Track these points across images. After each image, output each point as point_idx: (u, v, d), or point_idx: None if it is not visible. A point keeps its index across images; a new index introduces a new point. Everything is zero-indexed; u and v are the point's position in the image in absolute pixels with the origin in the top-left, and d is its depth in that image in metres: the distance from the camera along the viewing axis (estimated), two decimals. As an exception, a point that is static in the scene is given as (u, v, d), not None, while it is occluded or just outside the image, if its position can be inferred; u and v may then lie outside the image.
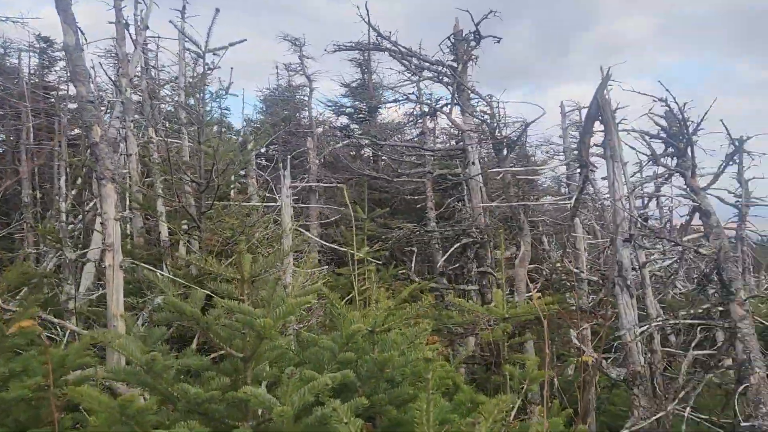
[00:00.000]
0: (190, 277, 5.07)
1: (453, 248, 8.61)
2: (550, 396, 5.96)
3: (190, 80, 6.88)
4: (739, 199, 14.72)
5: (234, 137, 9.43)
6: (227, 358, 2.85)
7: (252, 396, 2.37)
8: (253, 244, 5.75)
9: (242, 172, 9.28)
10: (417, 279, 8.97)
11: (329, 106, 13.34)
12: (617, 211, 6.78)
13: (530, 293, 9.83)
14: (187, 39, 7.18)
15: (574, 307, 9.04)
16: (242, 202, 6.88)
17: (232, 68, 6.24)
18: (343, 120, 13.74)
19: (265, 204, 7.45)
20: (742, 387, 6.04)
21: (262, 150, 13.43)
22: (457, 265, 10.93)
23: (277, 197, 7.07)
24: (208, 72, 6.30)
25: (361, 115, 13.05)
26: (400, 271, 8.97)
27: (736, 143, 7.03)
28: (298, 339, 3.87)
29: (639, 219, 6.81)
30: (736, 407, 5.93)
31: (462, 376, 7.46)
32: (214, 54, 6.32)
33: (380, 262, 7.09)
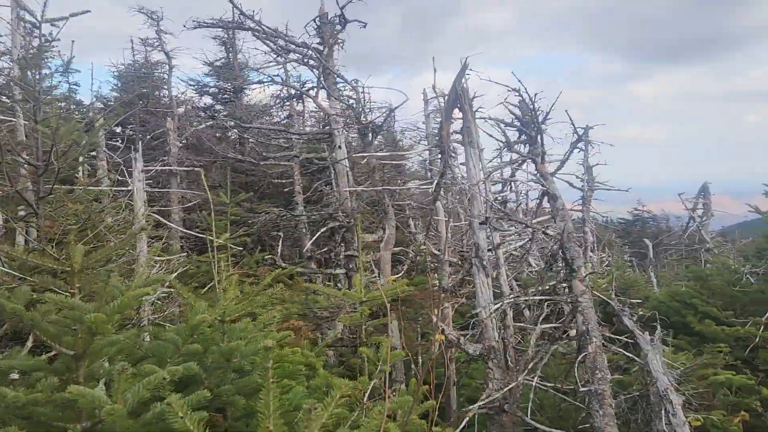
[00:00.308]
0: (26, 269, 4.62)
1: (319, 232, 8.61)
2: (414, 375, 6.17)
3: (25, 52, 6.23)
4: (585, 184, 16.07)
5: (80, 116, 8.70)
6: (60, 356, 2.63)
7: (79, 395, 2.20)
8: (101, 232, 5.34)
9: (93, 153, 8.62)
10: (284, 264, 8.88)
11: (192, 85, 12.77)
12: (474, 195, 7.13)
13: (398, 275, 10.10)
14: (20, 7, 6.47)
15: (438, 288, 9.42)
16: (88, 186, 6.37)
17: (73, 41, 5.71)
18: (207, 100, 13.22)
19: (115, 188, 6.96)
20: (581, 356, 6.61)
21: (117, 130, 12.55)
22: (325, 249, 10.95)
23: (129, 181, 6.65)
24: (47, 44, 5.72)
25: (226, 96, 12.60)
26: (267, 257, 8.82)
27: (579, 132, 7.61)
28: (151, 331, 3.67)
29: (494, 202, 7.21)
30: (576, 374, 6.49)
31: (326, 359, 7.50)
32: (52, 25, 5.73)
33: (241, 248, 6.91)
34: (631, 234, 33.68)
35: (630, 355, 6.88)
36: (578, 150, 15.83)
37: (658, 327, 6.92)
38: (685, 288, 9.84)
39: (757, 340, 8.28)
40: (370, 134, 7.89)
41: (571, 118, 7.56)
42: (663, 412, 6.17)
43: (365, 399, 3.11)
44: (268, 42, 8.23)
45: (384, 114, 8.08)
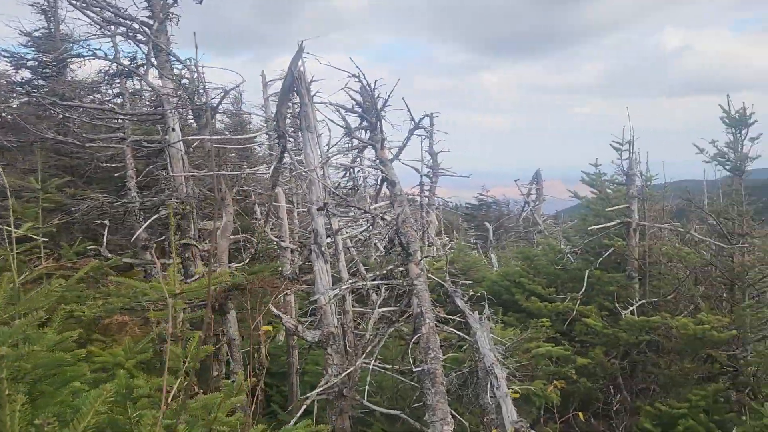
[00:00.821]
0: None
1: (150, 220, 8.07)
2: (253, 365, 5.98)
3: None
4: (431, 169, 16.66)
5: None
6: None
7: None
8: None
9: None
10: (110, 255, 8.22)
11: (5, 56, 11.29)
12: (312, 181, 7.05)
13: (241, 263, 9.77)
14: None
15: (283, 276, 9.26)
16: None
17: None
18: (25, 74, 11.81)
19: None
20: (416, 337, 6.82)
21: None
22: (163, 238, 10.33)
23: None
24: None
25: (47, 71, 11.34)
26: (90, 247, 8.11)
27: (415, 121, 7.78)
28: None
29: (332, 188, 7.18)
30: (410, 355, 6.69)
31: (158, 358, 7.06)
32: None
33: (46, 239, 6.24)
34: (477, 218, 35.73)
35: (461, 333, 7.22)
36: (424, 137, 16.41)
37: (486, 306, 7.31)
38: (515, 268, 10.54)
39: (573, 313, 9.08)
40: (205, 116, 7.49)
41: (407, 106, 7.72)
42: (489, 385, 6.57)
43: (169, 398, 2.89)
44: (88, 12, 7.50)
45: (220, 95, 7.71)
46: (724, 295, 9.47)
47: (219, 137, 7.83)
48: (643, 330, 8.51)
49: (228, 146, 9.42)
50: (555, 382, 8.10)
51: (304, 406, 6.66)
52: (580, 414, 5.74)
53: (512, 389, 6.05)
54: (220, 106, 8.20)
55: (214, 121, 9.86)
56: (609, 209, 9.20)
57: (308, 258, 7.31)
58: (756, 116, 9.15)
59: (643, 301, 9.06)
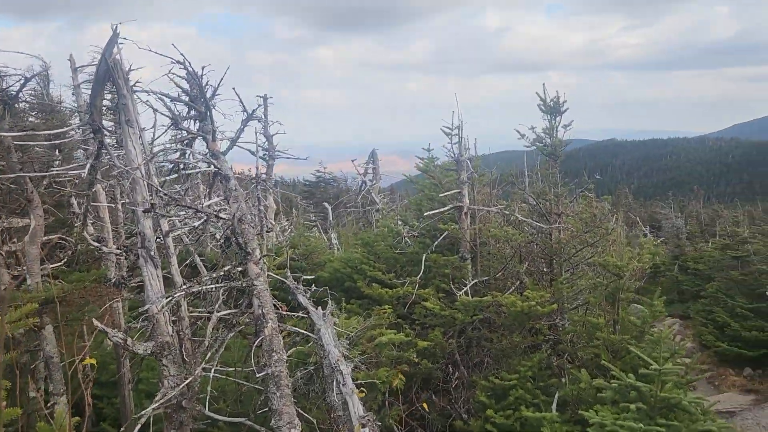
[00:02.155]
0: None
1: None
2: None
3: None
4: (267, 152, 16.20)
5: None
6: None
7: None
8: None
9: None
10: None
11: None
12: (135, 180, 6.43)
13: (59, 264, 8.74)
14: None
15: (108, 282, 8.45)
16: None
17: None
18: None
19: None
20: (258, 339, 6.58)
21: None
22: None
23: None
24: None
25: None
26: None
27: (248, 111, 7.41)
28: None
29: (159, 187, 6.60)
30: (252, 359, 6.44)
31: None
32: None
33: None
34: (315, 195, 35.75)
35: (304, 332, 7.10)
36: (257, 120, 15.86)
37: (330, 302, 7.26)
38: (355, 254, 10.62)
39: (413, 297, 9.36)
40: (2, 107, 6.48)
41: (240, 97, 7.30)
42: (335, 383, 6.54)
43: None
44: None
45: (20, 83, 6.70)
46: (545, 269, 10.33)
47: (20, 134, 6.79)
48: (476, 309, 9.02)
49: (32, 143, 8.29)
50: (398, 368, 8.34)
51: (139, 425, 6.15)
52: (425, 405, 5.92)
53: (359, 389, 6.06)
54: (21, 93, 7.14)
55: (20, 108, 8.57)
56: (442, 195, 9.57)
57: (135, 263, 6.71)
58: (566, 95, 9.89)
59: (476, 280, 9.61)
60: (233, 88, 7.18)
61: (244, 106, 7.32)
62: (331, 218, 20.05)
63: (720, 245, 24.80)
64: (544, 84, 9.91)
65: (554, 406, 8.38)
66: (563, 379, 9.15)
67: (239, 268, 6.97)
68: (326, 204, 21.30)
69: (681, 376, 9.32)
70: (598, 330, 8.83)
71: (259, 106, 7.43)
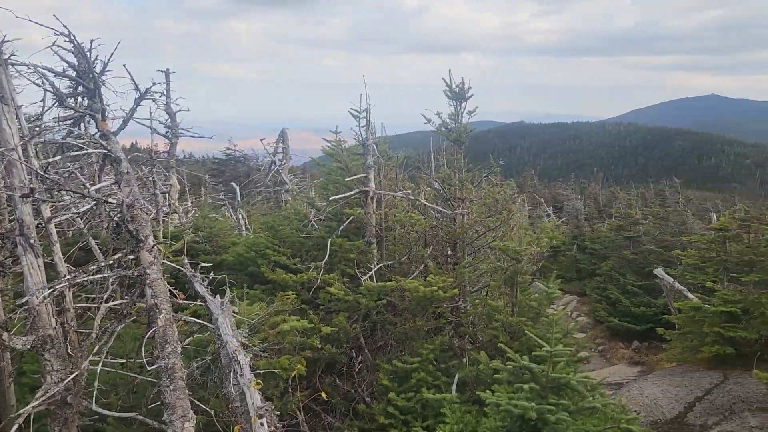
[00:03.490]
0: None
1: None
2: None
3: None
4: (169, 129, 15.50)
5: None
6: None
7: None
8: None
9: None
10: None
11: None
12: (12, 162, 5.92)
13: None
14: None
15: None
16: None
17: None
18: None
19: None
20: (151, 330, 6.30)
21: None
22: None
23: None
24: None
25: None
26: None
27: (140, 91, 6.99)
28: None
29: (39, 170, 6.12)
30: (143, 351, 6.17)
31: None
32: None
33: None
34: (225, 173, 34.74)
35: (201, 321, 6.88)
36: (160, 95, 15.12)
37: (228, 290, 7.06)
38: (260, 239, 10.39)
39: (318, 282, 9.29)
40: None
41: (131, 75, 6.86)
42: (232, 373, 6.38)
43: None
44: None
45: None
46: (449, 253, 10.53)
47: None
48: (380, 293, 9.08)
49: None
50: (301, 354, 8.28)
51: (17, 425, 5.75)
52: (324, 393, 5.90)
53: (258, 380, 5.94)
54: None
55: None
56: (348, 179, 9.51)
57: (13, 252, 6.22)
58: (471, 81, 10.03)
59: (381, 264, 9.66)
60: (124, 65, 6.75)
61: (135, 84, 6.89)
62: (239, 198, 19.54)
63: (614, 226, 26.35)
64: (450, 70, 10.03)
65: (454, 387, 8.61)
66: (464, 360, 9.42)
67: (131, 256, 6.64)
68: (234, 183, 20.73)
69: (572, 355, 9.83)
70: (497, 312, 9.12)
71: (154, 84, 7.00)
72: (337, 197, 9.39)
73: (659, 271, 18.22)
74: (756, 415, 11.54)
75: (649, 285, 20.92)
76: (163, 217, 12.66)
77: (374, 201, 9.74)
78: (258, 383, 5.79)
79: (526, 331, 7.77)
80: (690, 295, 15.62)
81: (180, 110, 15.21)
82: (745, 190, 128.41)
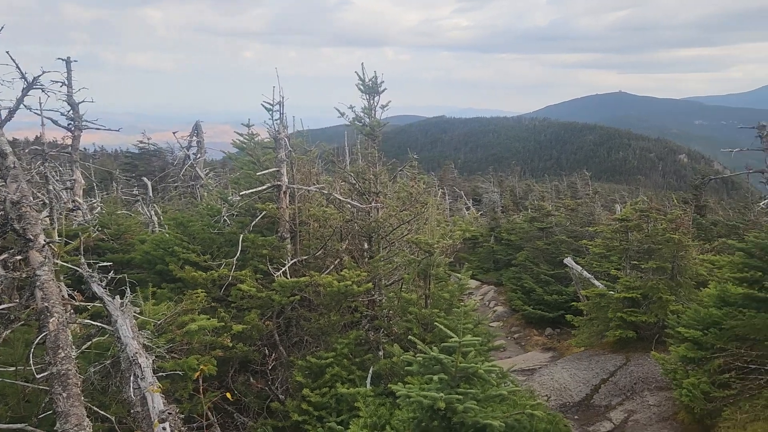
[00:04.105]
0: None
1: None
2: None
3: None
4: (72, 121, 14.66)
5: None
6: None
7: None
8: None
9: None
10: None
11: None
12: None
13: None
14: None
15: None
16: None
17: None
18: None
19: None
20: (42, 335, 5.92)
21: None
22: None
23: None
24: None
25: None
26: None
27: (27, 80, 6.53)
28: None
29: None
30: (32, 358, 5.79)
31: None
32: None
33: None
34: (138, 168, 33.32)
35: (98, 323, 6.54)
36: (61, 84, 14.27)
37: (128, 290, 6.74)
38: (166, 236, 10.01)
39: (229, 279, 9.05)
40: None
41: (16, 63, 6.39)
42: (132, 377, 6.10)
43: None
44: None
45: None
46: (366, 247, 10.53)
47: None
48: (294, 289, 8.95)
49: None
50: (211, 353, 8.04)
51: None
52: (228, 395, 5.73)
53: (160, 382, 5.70)
54: None
55: None
56: (259, 173, 9.29)
57: None
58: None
59: (295, 260, 9.52)
60: (7, 52, 6.26)
61: (22, 73, 6.42)
62: (151, 194, 18.76)
63: (528, 218, 27.28)
64: (362, 63, 9.99)
65: (368, 380, 8.63)
66: (380, 353, 9.46)
67: (19, 257, 6.20)
68: (145, 179, 19.89)
69: (483, 344, 10.07)
70: (411, 305, 9.20)
71: (44, 72, 6.50)
72: (248, 192, 9.16)
73: (569, 261, 19.02)
74: (654, 394, 12.26)
75: (560, 274, 21.82)
76: (65, 213, 11.97)
77: (287, 195, 9.58)
78: (159, 387, 5.56)
79: (435, 323, 7.88)
80: (597, 283, 16.40)
81: (84, 101, 14.37)
82: (649, 181, 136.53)
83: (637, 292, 13.88)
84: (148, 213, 17.89)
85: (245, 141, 10.36)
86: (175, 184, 24.39)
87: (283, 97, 9.99)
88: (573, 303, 17.75)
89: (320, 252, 9.92)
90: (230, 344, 8.25)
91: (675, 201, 29.76)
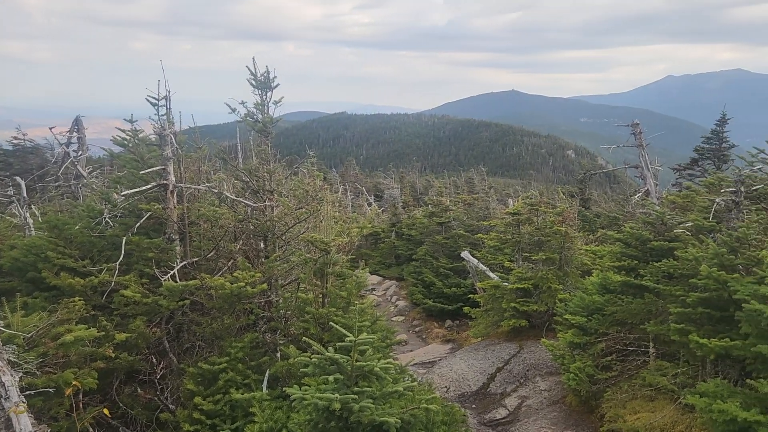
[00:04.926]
0: None
1: None
2: None
3: None
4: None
5: None
6: None
7: None
8: None
9: None
10: None
11: None
12: None
13: None
14: None
15: None
16: None
17: None
18: None
19: None
20: None
21: None
22: None
23: None
24: None
25: None
26: None
27: None
28: None
29: None
30: None
31: None
32: None
33: None
34: (13, 165, 30.75)
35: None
36: None
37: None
38: (40, 240, 9.23)
39: (112, 285, 8.48)
40: None
41: None
42: (-5, 397, 5.55)
43: None
44: None
45: None
46: (262, 246, 10.23)
47: None
48: (184, 293, 8.53)
49: None
50: (92, 365, 7.51)
51: None
52: (105, 410, 5.33)
53: (29, 401, 5.21)
54: None
55: None
56: (143, 172, 8.77)
57: None
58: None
59: (185, 262, 9.08)
60: None
61: None
62: (26, 194, 17.31)
63: (428, 213, 27.81)
64: (253, 58, 9.68)
65: (265, 384, 8.39)
66: (277, 355, 9.23)
67: None
68: (18, 178, 18.33)
69: (382, 341, 10.09)
70: (308, 305, 9.04)
71: None
72: (130, 192, 8.61)
73: (465, 254, 19.55)
74: (545, 379, 12.84)
75: (458, 267, 22.40)
76: None
77: (175, 195, 9.11)
78: (25, 407, 5.08)
79: (330, 323, 7.77)
80: (492, 275, 16.95)
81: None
82: (540, 176, 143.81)
83: (529, 282, 14.49)
84: (22, 215, 16.50)
85: (128, 137, 9.74)
86: (56, 184, 22.68)
87: (169, 92, 9.48)
88: (471, 295, 18.28)
89: (212, 253, 9.53)
90: (113, 354, 7.73)
91: (561, 195, 31.41)
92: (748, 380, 7.03)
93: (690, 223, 10.18)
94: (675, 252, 9.27)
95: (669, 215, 10.26)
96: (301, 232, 10.00)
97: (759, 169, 12.84)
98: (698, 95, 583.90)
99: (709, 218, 10.03)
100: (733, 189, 9.74)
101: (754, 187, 11.08)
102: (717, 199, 10.13)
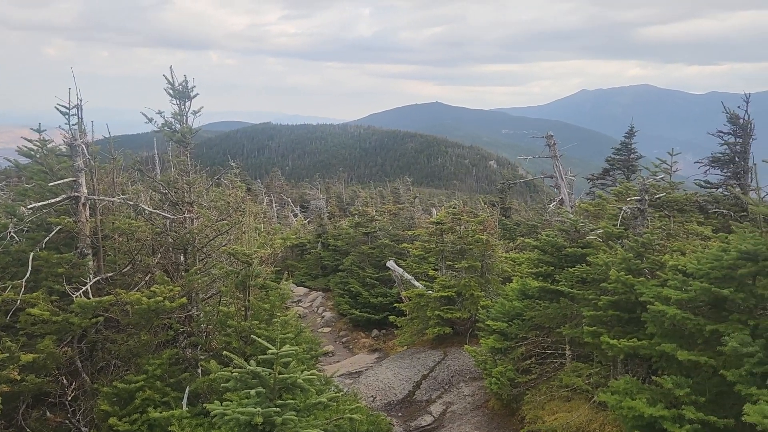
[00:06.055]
0: None
1: None
2: None
3: None
4: None
5: None
6: None
7: None
8: None
9: None
10: None
11: None
12: None
13: None
14: None
15: None
16: None
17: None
18: None
19: None
20: None
21: None
22: None
23: None
24: None
25: None
26: None
27: None
28: None
29: None
30: None
31: None
32: None
33: None
34: None
35: None
36: None
37: None
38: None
39: (18, 303, 8.02)
40: None
41: None
42: None
43: None
44: None
45: None
46: (182, 258, 9.95)
47: None
48: (97, 310, 8.17)
49: None
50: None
51: None
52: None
53: None
54: None
55: None
56: (52, 183, 8.36)
57: None
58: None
59: (98, 278, 8.71)
60: None
61: None
62: None
63: (354, 223, 27.90)
64: (171, 66, 9.45)
65: (185, 401, 8.16)
66: (198, 371, 8.99)
67: None
68: None
69: (307, 352, 10.04)
70: (230, 318, 8.88)
71: None
72: (38, 204, 8.18)
73: (391, 264, 19.74)
74: (469, 384, 13.12)
75: (384, 276, 22.58)
76: None
77: (87, 208, 8.73)
78: None
79: (252, 336, 7.67)
80: (416, 284, 17.20)
81: None
82: (464, 186, 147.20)
83: (452, 290, 14.80)
84: None
85: (36, 147, 9.26)
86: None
87: (81, 100, 9.10)
88: (397, 304, 18.47)
89: (128, 268, 9.19)
90: (18, 377, 7.31)
91: (483, 204, 32.29)
92: (654, 377, 7.46)
93: (600, 230, 10.73)
94: (587, 258, 9.74)
95: (582, 223, 10.78)
96: (223, 244, 9.82)
97: (661, 178, 13.71)
98: (610, 108, 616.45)
99: (617, 225, 10.61)
100: (638, 197, 10.36)
101: (657, 196, 11.82)
102: (624, 207, 10.73)
